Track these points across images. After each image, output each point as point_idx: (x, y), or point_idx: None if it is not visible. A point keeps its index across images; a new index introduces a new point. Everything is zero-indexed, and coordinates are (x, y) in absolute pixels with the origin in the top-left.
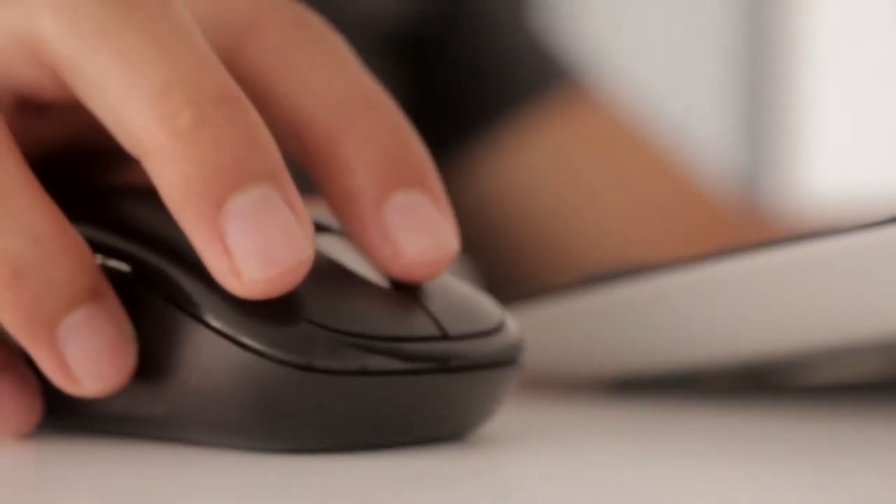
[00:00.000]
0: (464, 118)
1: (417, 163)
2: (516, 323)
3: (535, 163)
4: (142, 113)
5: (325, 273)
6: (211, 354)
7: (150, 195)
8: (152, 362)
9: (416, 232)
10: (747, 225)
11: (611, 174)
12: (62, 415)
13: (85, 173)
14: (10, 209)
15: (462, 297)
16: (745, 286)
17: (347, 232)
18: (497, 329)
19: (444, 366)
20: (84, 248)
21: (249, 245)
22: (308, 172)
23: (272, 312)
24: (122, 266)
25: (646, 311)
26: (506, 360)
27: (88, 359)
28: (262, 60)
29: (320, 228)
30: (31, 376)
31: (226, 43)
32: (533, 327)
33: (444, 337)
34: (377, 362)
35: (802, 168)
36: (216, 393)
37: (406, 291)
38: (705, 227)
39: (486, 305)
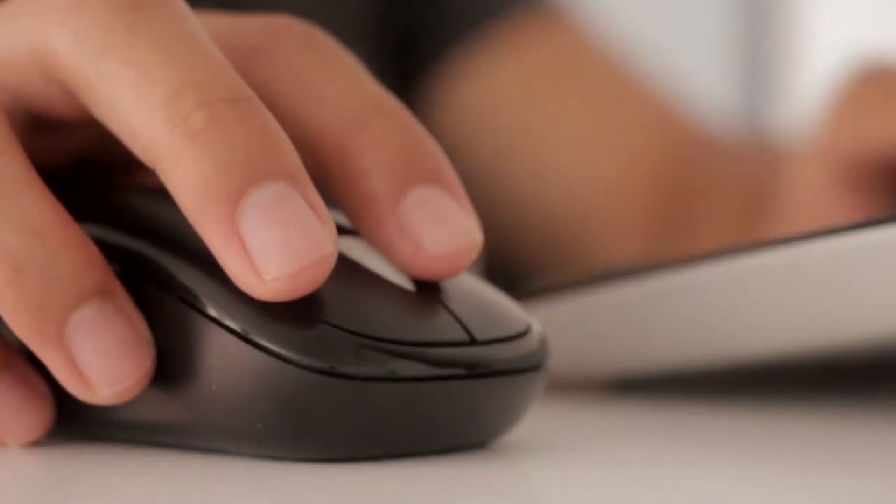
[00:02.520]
0: (427, 45)
1: (432, 160)
2: (541, 326)
3: (490, 92)
4: (154, 120)
5: (348, 276)
6: (230, 358)
7: (158, 193)
8: (169, 367)
9: (435, 225)
10: (734, 151)
11: (570, 101)
12: (75, 422)
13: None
14: (11, 205)
15: (487, 301)
16: (746, 286)
17: (367, 235)
18: (524, 333)
19: (473, 372)
20: (90, 244)
21: (268, 241)
22: (324, 183)
23: (294, 315)
24: (117, 267)
25: (646, 311)
26: (534, 365)
27: (101, 359)
28: (274, 78)
29: (341, 231)
30: (37, 378)
31: (239, 63)
32: None
33: (472, 342)
34: (404, 368)
35: (800, 100)
36: (236, 398)
37: (430, 294)
38: (669, 147)
39: (511, 308)
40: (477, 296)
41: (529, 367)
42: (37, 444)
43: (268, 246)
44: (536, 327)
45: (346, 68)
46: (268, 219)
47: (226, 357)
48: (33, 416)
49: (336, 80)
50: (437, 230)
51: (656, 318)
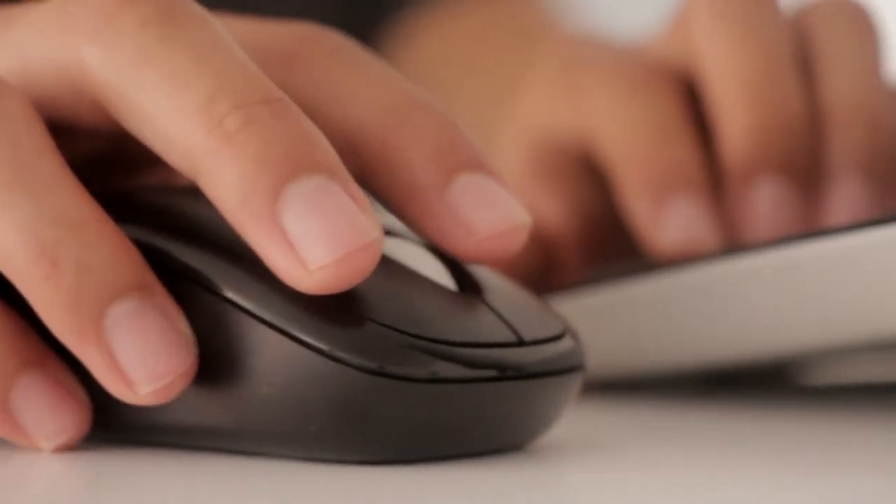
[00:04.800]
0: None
1: (473, 148)
2: (575, 326)
3: (445, 49)
4: (190, 127)
5: (393, 277)
6: (282, 360)
7: (192, 194)
8: (215, 369)
9: (485, 207)
10: None
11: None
12: (115, 427)
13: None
14: (48, 200)
15: (525, 301)
16: (748, 285)
17: (416, 225)
18: (564, 332)
19: (522, 372)
20: (126, 240)
21: (311, 229)
22: (367, 181)
23: (342, 314)
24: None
25: (648, 310)
26: (576, 365)
27: (140, 355)
28: (310, 82)
29: (384, 233)
30: (71, 380)
31: (274, 68)
32: None
33: (520, 343)
34: (453, 370)
35: None
36: (289, 401)
37: (474, 295)
38: None
39: (545, 308)
40: (516, 296)
41: (572, 366)
42: (76, 449)
43: (311, 234)
44: (571, 327)
45: (379, 70)
46: (310, 208)
47: (277, 359)
48: (65, 416)
49: (370, 81)
50: (487, 213)
51: (658, 318)
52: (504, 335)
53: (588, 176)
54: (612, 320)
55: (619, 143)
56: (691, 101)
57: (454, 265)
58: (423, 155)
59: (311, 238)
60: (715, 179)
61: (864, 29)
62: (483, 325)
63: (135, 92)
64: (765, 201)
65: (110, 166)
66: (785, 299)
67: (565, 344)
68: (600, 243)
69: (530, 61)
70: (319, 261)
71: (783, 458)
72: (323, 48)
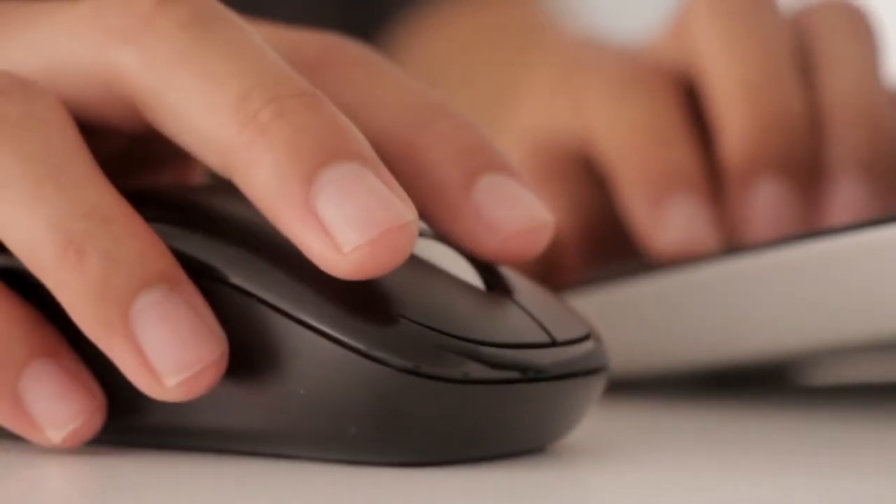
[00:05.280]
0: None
1: (495, 151)
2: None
3: (446, 49)
4: (225, 123)
5: (427, 275)
6: (321, 361)
7: (220, 190)
8: (248, 370)
9: (508, 206)
10: None
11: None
12: (142, 430)
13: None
14: (76, 194)
15: (551, 302)
16: (748, 285)
17: (440, 224)
18: (590, 334)
19: (556, 373)
20: (154, 235)
21: (345, 211)
22: None
23: (378, 314)
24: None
25: (648, 311)
26: (604, 365)
27: (167, 343)
28: (336, 88)
29: None
30: (84, 373)
31: (301, 74)
32: None
33: (553, 343)
34: (491, 370)
35: None
36: (329, 403)
37: (504, 295)
38: None
39: (570, 309)
40: (542, 297)
41: (601, 367)
42: (100, 453)
43: (345, 216)
44: (594, 326)
45: (401, 78)
46: (343, 192)
47: (313, 359)
48: (74, 403)
49: (393, 87)
50: (511, 212)
51: (660, 318)
52: (537, 336)
53: (588, 177)
54: (611, 321)
55: (618, 144)
56: (691, 101)
57: (480, 265)
58: (448, 156)
59: (344, 220)
60: (714, 180)
61: (863, 29)
62: (516, 326)
63: (171, 92)
64: (765, 201)
65: (127, 166)
66: (785, 299)
67: (592, 343)
68: (600, 244)
69: (530, 62)
70: (353, 242)
71: (796, 459)
72: (346, 56)
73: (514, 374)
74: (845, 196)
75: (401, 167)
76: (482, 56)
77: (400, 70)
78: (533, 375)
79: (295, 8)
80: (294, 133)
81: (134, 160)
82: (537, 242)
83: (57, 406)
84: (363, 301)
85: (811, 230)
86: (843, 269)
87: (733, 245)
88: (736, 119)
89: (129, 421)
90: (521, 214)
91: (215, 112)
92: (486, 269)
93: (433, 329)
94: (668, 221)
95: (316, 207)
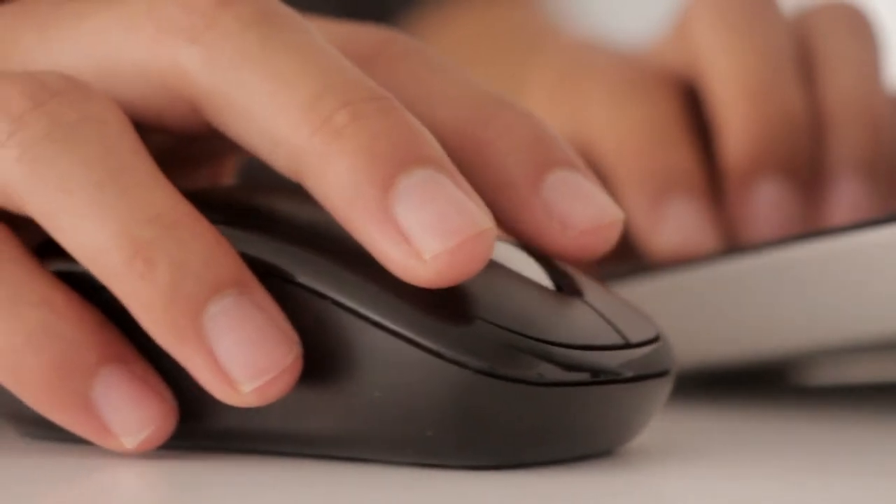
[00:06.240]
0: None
1: (561, 145)
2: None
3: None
4: (296, 126)
5: (498, 276)
6: (397, 364)
7: (287, 192)
8: (321, 374)
9: (579, 203)
10: None
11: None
12: (215, 433)
13: None
14: (141, 200)
15: (619, 302)
16: (748, 285)
17: (509, 221)
18: (659, 335)
19: (629, 375)
20: (222, 238)
21: (425, 219)
22: None
23: (452, 313)
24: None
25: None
26: (672, 368)
27: (241, 350)
28: (397, 83)
29: None
30: (155, 378)
31: (361, 69)
32: None
33: (627, 345)
34: (564, 373)
35: None
36: (406, 405)
37: (575, 296)
38: None
39: (639, 310)
40: (610, 297)
41: (670, 368)
42: (169, 456)
43: (425, 224)
44: (660, 327)
45: (460, 72)
46: (422, 199)
47: (388, 361)
48: (148, 409)
49: (454, 82)
50: (582, 207)
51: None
52: (611, 337)
53: None
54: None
55: (617, 146)
56: (692, 103)
57: (547, 264)
58: (514, 150)
59: (424, 227)
60: (714, 181)
61: (864, 31)
62: (589, 327)
63: (238, 93)
64: (765, 202)
65: (167, 166)
66: (785, 299)
67: (662, 346)
68: None
69: (531, 64)
70: (433, 250)
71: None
72: (401, 50)
73: (587, 377)
74: (845, 196)
75: (468, 162)
76: (483, 58)
77: (455, 63)
78: (607, 378)
79: (295, 8)
80: (370, 138)
81: (175, 160)
82: (609, 239)
83: (130, 412)
84: (437, 302)
85: (811, 230)
86: (843, 269)
87: (733, 245)
88: (737, 120)
89: (198, 425)
90: (593, 211)
91: (286, 114)
92: (554, 268)
93: (510, 330)
94: (667, 222)
95: (395, 214)
